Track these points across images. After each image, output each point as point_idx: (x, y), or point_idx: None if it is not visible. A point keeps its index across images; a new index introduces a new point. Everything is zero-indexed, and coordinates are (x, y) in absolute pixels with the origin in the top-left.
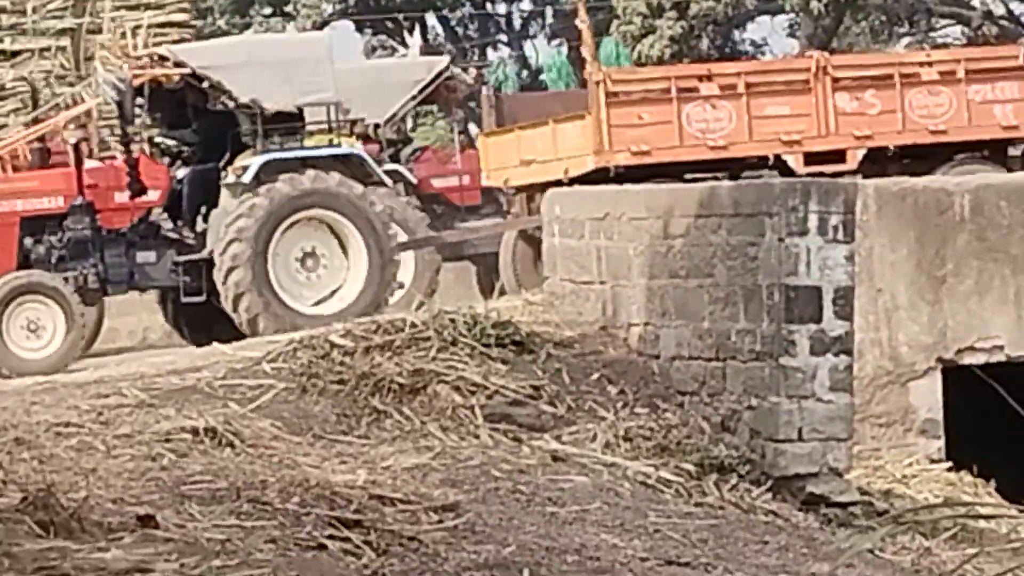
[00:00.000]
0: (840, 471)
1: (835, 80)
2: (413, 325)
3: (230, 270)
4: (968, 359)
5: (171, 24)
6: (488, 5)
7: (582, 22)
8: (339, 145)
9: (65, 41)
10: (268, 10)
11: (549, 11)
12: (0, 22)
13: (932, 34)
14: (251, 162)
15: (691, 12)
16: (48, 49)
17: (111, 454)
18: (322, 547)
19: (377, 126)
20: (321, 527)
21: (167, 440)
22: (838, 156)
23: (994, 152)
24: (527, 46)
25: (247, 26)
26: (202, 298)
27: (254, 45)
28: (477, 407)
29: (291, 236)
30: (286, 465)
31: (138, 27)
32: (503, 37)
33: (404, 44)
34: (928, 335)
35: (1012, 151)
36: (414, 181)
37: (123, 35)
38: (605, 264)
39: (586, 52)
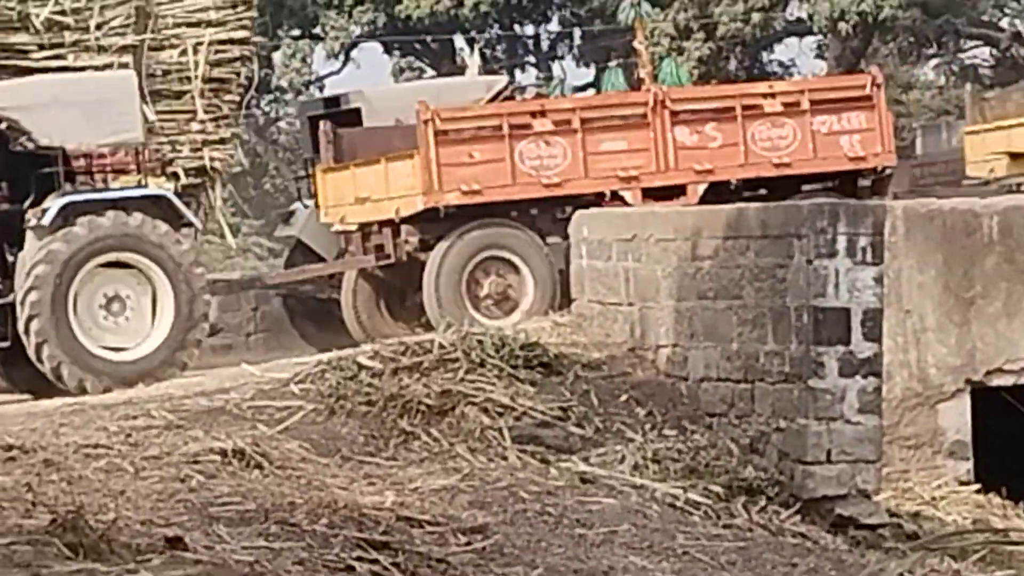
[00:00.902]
0: (869, 493)
1: (674, 114)
2: (441, 346)
3: (30, 318)
4: (997, 381)
5: (232, 41)
6: (516, 27)
7: (640, 43)
8: (146, 186)
9: (127, 58)
10: (296, 32)
11: (577, 32)
12: (63, 38)
13: (960, 55)
14: (51, 204)
15: (719, 33)
16: (110, 66)
17: (140, 476)
18: (350, 569)
19: None
20: (349, 549)
21: (195, 462)
22: (678, 191)
23: (844, 183)
24: (555, 67)
25: (275, 48)
26: (7, 344)
27: (58, 84)
28: (505, 428)
29: (96, 280)
30: (314, 487)
31: (199, 44)
32: (531, 58)
33: (431, 66)
34: (956, 357)
35: (863, 182)
36: None
37: (183, 52)
38: (633, 285)
39: (644, 72)
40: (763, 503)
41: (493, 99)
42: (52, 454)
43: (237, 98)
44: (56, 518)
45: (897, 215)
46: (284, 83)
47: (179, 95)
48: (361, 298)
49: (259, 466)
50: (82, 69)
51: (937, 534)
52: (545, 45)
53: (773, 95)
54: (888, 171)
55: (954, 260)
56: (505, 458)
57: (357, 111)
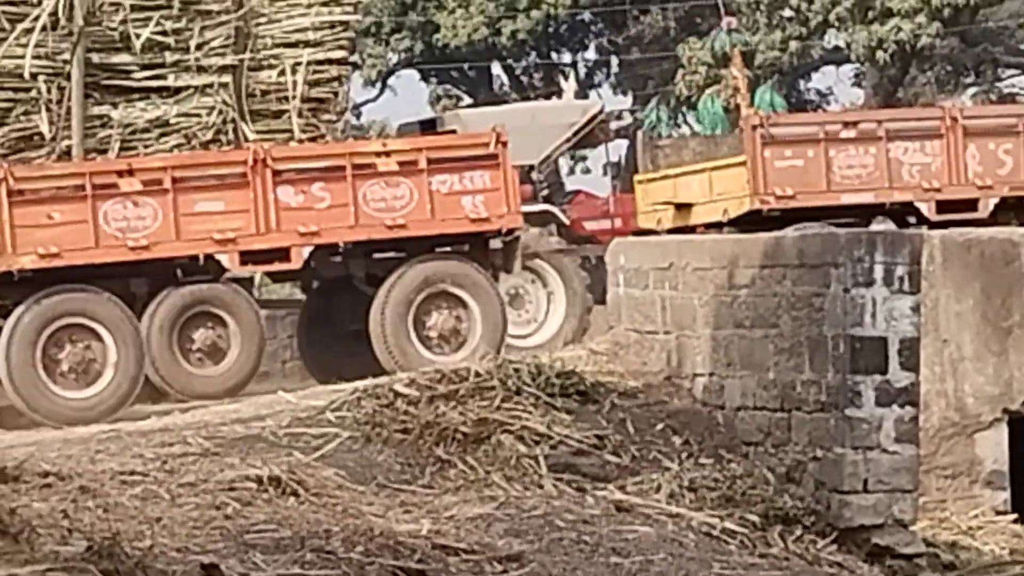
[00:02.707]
0: (906, 523)
1: (276, 173)
2: (477, 374)
3: None
4: None
5: (330, 61)
6: (553, 54)
7: (739, 70)
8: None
9: (227, 78)
10: None
11: (614, 60)
12: (164, 59)
13: (998, 84)
14: None
15: (756, 62)
16: (210, 86)
17: (176, 503)
18: None
19: (531, 168)
20: None
21: (231, 489)
22: (281, 254)
23: (474, 247)
24: (591, 95)
25: None
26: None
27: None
28: (541, 457)
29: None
30: (350, 514)
31: (298, 64)
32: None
33: (469, 94)
34: (994, 386)
35: (494, 244)
36: (567, 222)
37: (282, 72)
38: (670, 314)
39: (741, 99)
40: (799, 532)
41: (588, 123)
42: (88, 481)
43: (334, 117)
44: (92, 545)
45: (935, 244)
46: None
47: (277, 115)
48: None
49: (295, 493)
50: (182, 89)
51: (974, 564)
52: (583, 73)
53: (387, 153)
54: (516, 233)
55: (992, 289)
56: (541, 486)
57: (453, 133)
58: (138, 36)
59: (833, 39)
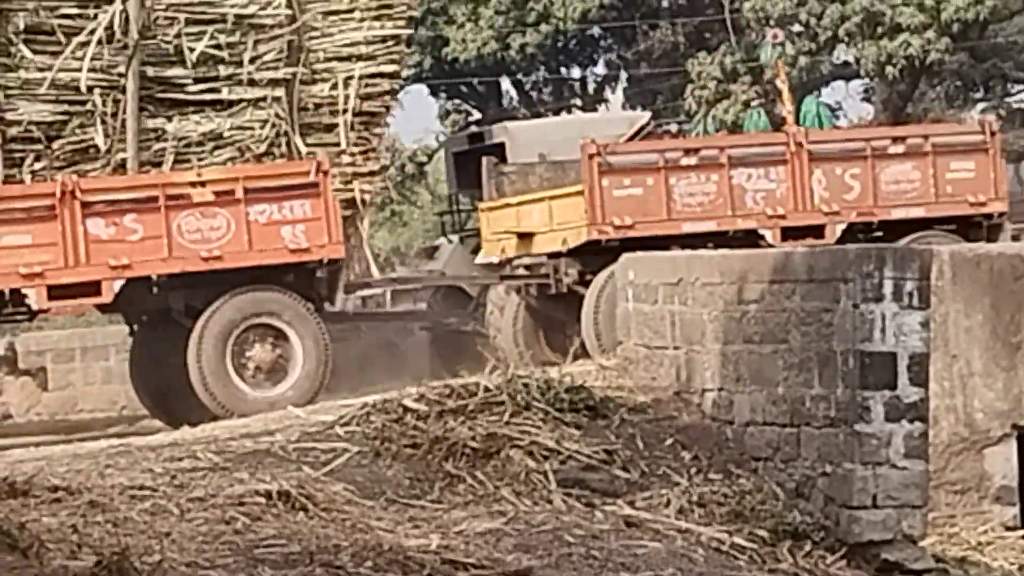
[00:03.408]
0: (915, 538)
1: (85, 205)
2: (487, 389)
3: None
4: None
5: (382, 75)
6: (563, 69)
7: (783, 82)
8: None
9: (280, 91)
10: None
11: (623, 75)
12: (218, 72)
13: (1008, 99)
14: None
15: (765, 77)
16: (263, 99)
17: (185, 517)
18: None
19: None
20: None
21: (240, 504)
22: (92, 287)
23: (299, 278)
24: (601, 110)
25: None
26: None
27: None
28: (550, 472)
29: None
30: (359, 529)
31: (350, 78)
32: (577, 101)
33: (478, 108)
34: (1003, 402)
35: (320, 273)
36: None
37: (334, 86)
38: (679, 329)
39: (785, 111)
40: (809, 548)
41: (635, 135)
42: (97, 495)
43: (384, 131)
44: (101, 560)
45: (944, 259)
46: None
47: (329, 128)
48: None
49: (304, 508)
50: (235, 103)
51: None
52: (592, 88)
53: (203, 183)
54: (339, 263)
55: (1002, 305)
56: (550, 501)
57: (501, 146)
58: (192, 50)
59: (842, 54)
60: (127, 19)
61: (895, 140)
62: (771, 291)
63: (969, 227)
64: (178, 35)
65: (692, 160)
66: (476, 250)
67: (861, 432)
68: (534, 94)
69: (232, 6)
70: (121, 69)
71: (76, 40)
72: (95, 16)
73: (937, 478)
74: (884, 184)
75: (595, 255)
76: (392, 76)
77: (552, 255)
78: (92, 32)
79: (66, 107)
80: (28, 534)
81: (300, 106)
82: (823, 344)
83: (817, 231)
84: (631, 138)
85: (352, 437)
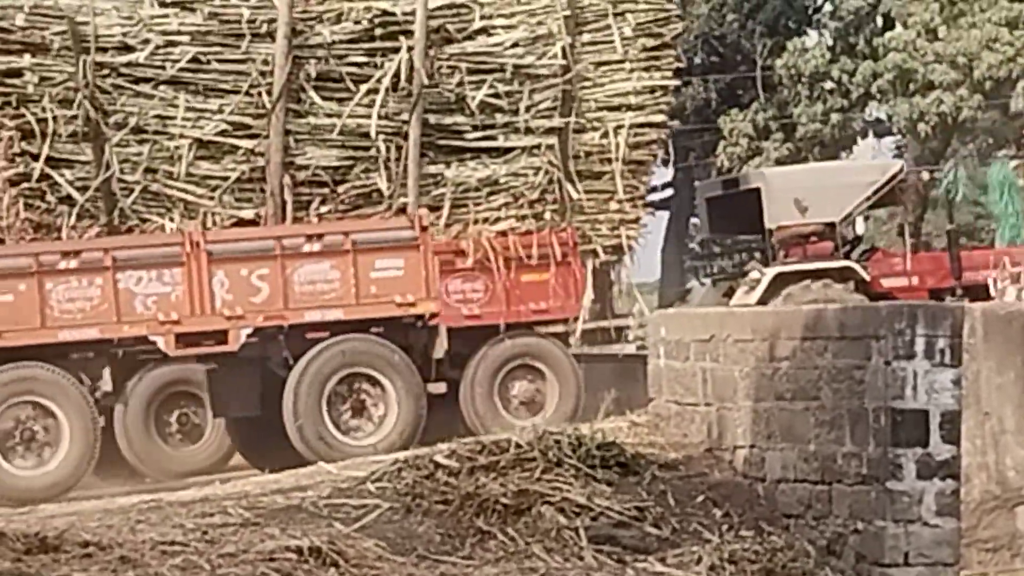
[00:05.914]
0: None
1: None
2: (518, 446)
3: None
4: None
5: (650, 124)
6: None
7: None
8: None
9: (553, 139)
10: None
11: None
12: (495, 120)
13: None
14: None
15: (797, 134)
16: (538, 147)
17: (216, 573)
18: None
19: (832, 225)
20: None
21: (271, 559)
22: (220, 336)
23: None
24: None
25: None
26: None
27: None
28: (581, 528)
29: None
30: None
31: (620, 127)
32: None
33: None
34: None
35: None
36: (867, 278)
37: (605, 135)
38: (710, 386)
39: None
40: None
41: (888, 182)
42: (129, 551)
43: (650, 179)
44: None
45: (976, 317)
46: None
47: (599, 175)
48: None
49: (335, 564)
50: (511, 150)
51: None
52: None
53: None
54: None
55: None
56: (581, 558)
57: (756, 191)
58: (473, 98)
59: (874, 111)
60: (412, 68)
61: (310, 238)
62: (803, 348)
63: (401, 329)
64: (460, 84)
65: (72, 263)
66: (729, 293)
67: (893, 489)
68: None
69: (511, 56)
70: (405, 116)
71: (364, 88)
72: (382, 65)
73: (969, 536)
74: (297, 285)
75: None
76: (659, 126)
77: None
78: (379, 80)
79: (351, 152)
80: None
81: (572, 154)
82: (855, 401)
83: (220, 336)
84: (884, 185)
85: (383, 493)
